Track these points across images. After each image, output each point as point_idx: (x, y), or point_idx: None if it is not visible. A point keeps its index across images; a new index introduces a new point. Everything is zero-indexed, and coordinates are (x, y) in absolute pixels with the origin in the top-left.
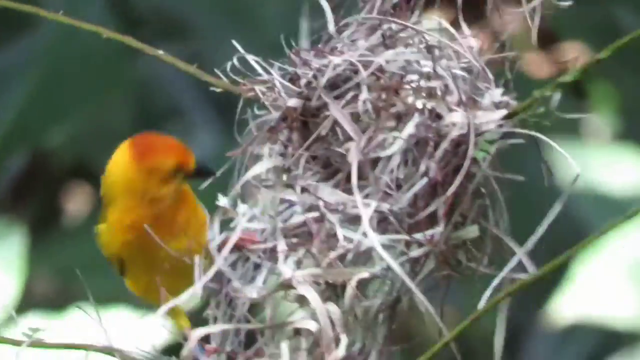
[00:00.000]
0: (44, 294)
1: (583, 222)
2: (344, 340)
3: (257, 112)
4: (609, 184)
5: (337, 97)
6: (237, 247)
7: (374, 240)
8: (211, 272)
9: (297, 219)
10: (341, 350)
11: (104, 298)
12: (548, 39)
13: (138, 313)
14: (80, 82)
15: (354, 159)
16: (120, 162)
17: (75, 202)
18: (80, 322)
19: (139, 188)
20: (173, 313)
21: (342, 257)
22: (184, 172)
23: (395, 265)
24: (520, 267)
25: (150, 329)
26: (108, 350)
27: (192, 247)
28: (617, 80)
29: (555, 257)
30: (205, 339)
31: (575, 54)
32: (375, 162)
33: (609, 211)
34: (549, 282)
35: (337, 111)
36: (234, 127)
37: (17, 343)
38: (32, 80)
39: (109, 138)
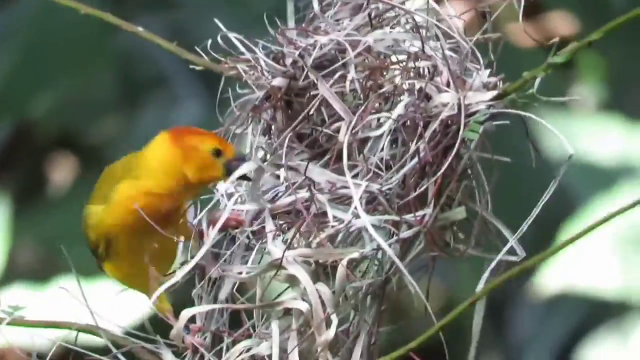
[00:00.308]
0: (28, 264)
1: (570, 191)
2: (335, 320)
3: (239, 90)
4: (596, 153)
5: (323, 77)
6: (223, 228)
7: (365, 220)
8: (201, 252)
9: (286, 199)
10: (332, 331)
11: (88, 269)
12: (535, 9)
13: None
14: (63, 53)
15: (344, 140)
16: (158, 144)
17: (60, 172)
18: (64, 293)
19: (174, 167)
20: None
21: (332, 238)
22: (225, 157)
23: (385, 246)
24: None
25: (132, 301)
26: (90, 329)
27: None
28: (603, 50)
29: (543, 226)
30: (190, 319)
31: (562, 23)
32: (364, 142)
33: (596, 180)
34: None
35: (326, 90)
36: (217, 103)
37: None
38: (16, 51)
39: (93, 108)
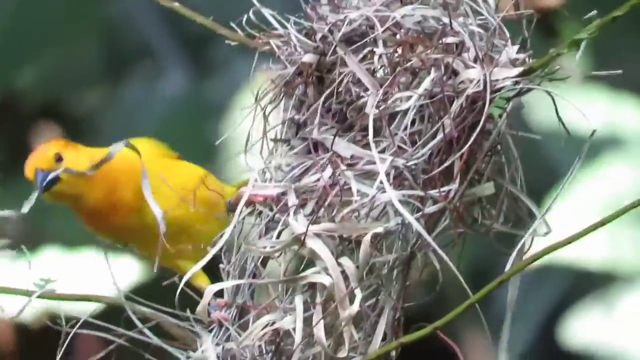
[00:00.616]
0: (13, 235)
1: (555, 162)
2: (359, 295)
3: (272, 66)
4: (580, 124)
5: (353, 52)
6: (250, 202)
7: (392, 195)
8: (229, 229)
9: (312, 174)
10: (355, 306)
11: (73, 239)
12: None
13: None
14: (49, 22)
15: (370, 112)
16: None
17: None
18: (49, 264)
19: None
20: (192, 276)
21: (356, 213)
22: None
23: (411, 219)
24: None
25: (119, 270)
26: (119, 302)
27: (197, 214)
28: (588, 20)
29: (529, 196)
30: (218, 293)
31: None
32: (391, 117)
33: (580, 150)
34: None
35: (354, 64)
36: (203, 66)
37: (27, 294)
38: (1, 22)
39: (78, 79)
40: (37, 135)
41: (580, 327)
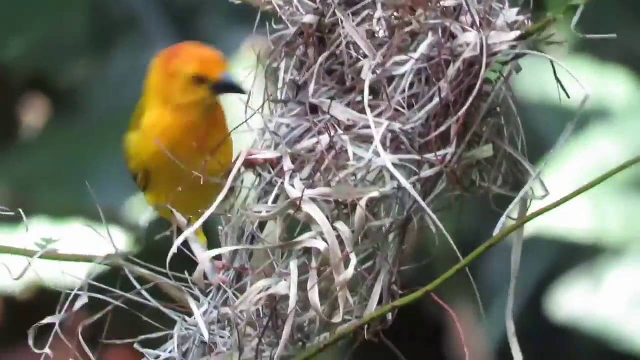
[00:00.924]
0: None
1: (541, 134)
2: (354, 260)
3: (275, 26)
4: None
5: (352, 15)
6: (250, 165)
7: (386, 159)
8: (224, 190)
9: (309, 136)
10: (350, 270)
11: (61, 210)
12: None
13: (94, 226)
14: None
15: (366, 77)
16: (151, 67)
17: (33, 114)
18: (37, 235)
19: (163, 92)
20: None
21: (352, 177)
22: (209, 82)
23: (406, 183)
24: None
25: (106, 241)
26: (122, 264)
27: (215, 167)
28: None
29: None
30: (216, 256)
31: None
32: (389, 81)
33: (567, 123)
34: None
35: (350, 28)
36: (190, 37)
37: (29, 253)
38: None
39: (66, 50)
40: (26, 107)
41: (567, 299)
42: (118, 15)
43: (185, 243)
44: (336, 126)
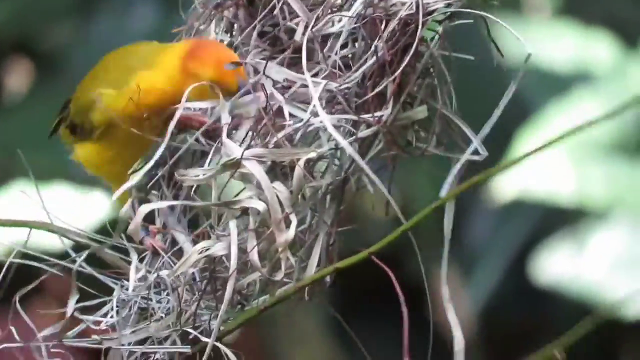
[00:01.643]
0: None
1: (525, 97)
2: (294, 220)
3: None
4: (550, 59)
5: None
6: (185, 126)
7: (325, 118)
8: (158, 152)
9: (244, 97)
10: (292, 231)
11: (44, 174)
12: None
13: (77, 190)
14: None
15: (302, 37)
16: (177, 52)
17: (16, 78)
18: (20, 198)
19: (176, 85)
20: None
21: (289, 138)
22: (225, 90)
23: (344, 142)
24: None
25: (89, 205)
26: (48, 228)
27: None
28: None
29: (498, 132)
30: (150, 222)
31: None
32: (323, 41)
33: (551, 86)
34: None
35: None
36: (174, 1)
37: None
38: None
39: (49, 13)
40: (8, 71)
41: (551, 262)
42: None
43: None
44: (269, 86)
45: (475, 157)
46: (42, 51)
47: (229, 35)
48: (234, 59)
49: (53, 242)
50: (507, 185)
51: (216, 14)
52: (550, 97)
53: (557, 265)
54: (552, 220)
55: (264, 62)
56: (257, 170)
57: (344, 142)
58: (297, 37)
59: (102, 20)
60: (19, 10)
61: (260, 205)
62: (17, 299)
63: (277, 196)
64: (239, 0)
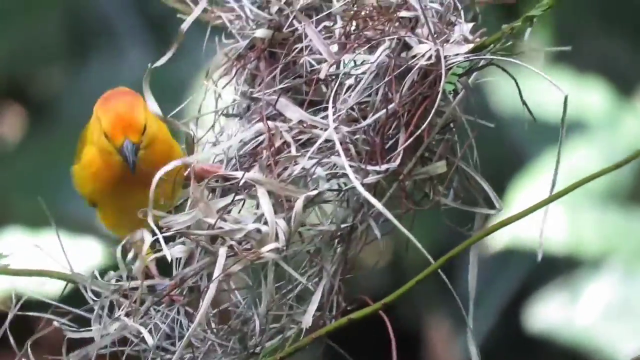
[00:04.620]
0: None
1: (518, 145)
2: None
3: (225, 40)
4: (544, 107)
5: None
6: (202, 179)
7: (345, 162)
8: (192, 213)
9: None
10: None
11: (37, 220)
12: None
13: (70, 236)
14: (10, 2)
15: (323, 74)
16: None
17: (8, 124)
18: (14, 244)
19: (94, 137)
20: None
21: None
22: (114, 142)
23: (361, 188)
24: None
25: (83, 251)
26: (73, 279)
27: (162, 201)
28: None
29: (493, 181)
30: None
31: None
32: (341, 89)
33: (544, 135)
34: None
35: (313, 33)
36: (166, 46)
37: None
38: None
39: (41, 58)
40: (1, 117)
41: (544, 311)
42: (92, 23)
43: None
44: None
45: (492, 211)
46: (34, 97)
47: (251, 86)
48: (134, 112)
49: (46, 289)
50: (499, 233)
51: (239, 66)
52: (545, 145)
53: (551, 313)
54: (546, 268)
55: (280, 99)
56: (260, 192)
57: (361, 189)
58: (321, 76)
59: (94, 65)
60: (11, 56)
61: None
62: (28, 345)
63: (276, 223)
64: (260, 53)
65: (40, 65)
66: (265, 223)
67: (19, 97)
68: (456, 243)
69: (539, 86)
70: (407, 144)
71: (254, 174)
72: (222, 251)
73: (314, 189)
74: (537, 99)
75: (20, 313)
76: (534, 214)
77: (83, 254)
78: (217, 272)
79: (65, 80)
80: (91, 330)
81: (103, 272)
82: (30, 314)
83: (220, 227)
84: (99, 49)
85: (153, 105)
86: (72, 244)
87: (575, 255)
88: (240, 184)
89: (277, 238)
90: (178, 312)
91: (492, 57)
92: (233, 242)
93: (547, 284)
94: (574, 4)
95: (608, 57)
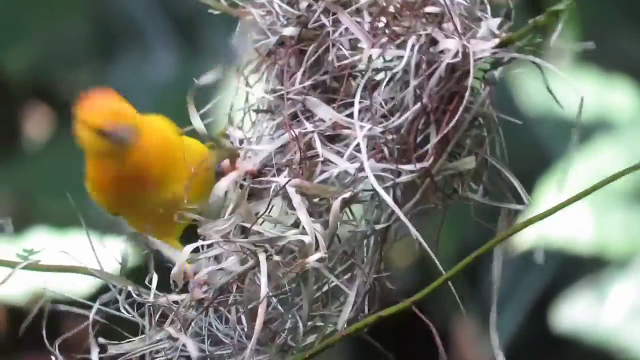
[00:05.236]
0: (3, 216)
1: (545, 146)
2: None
3: (256, 36)
4: (570, 107)
5: (335, 22)
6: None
7: (367, 169)
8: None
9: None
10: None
11: (63, 220)
12: None
13: (96, 236)
14: (37, 3)
15: (365, 64)
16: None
17: (35, 125)
18: (40, 245)
19: (85, 144)
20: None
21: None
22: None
23: (382, 192)
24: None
25: (111, 251)
26: (103, 276)
27: (174, 196)
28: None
29: (519, 177)
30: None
31: None
32: (371, 87)
33: (571, 134)
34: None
35: (348, 21)
36: (193, 47)
37: (12, 264)
38: None
39: (68, 60)
40: (28, 117)
41: (571, 312)
42: (120, 24)
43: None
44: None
45: (520, 207)
46: (61, 98)
47: (280, 83)
48: (107, 100)
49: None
50: (526, 233)
51: (268, 62)
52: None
53: (577, 315)
54: (572, 268)
55: (312, 98)
56: (297, 202)
57: (382, 193)
58: (363, 61)
59: (122, 66)
60: (37, 57)
61: (305, 239)
62: (57, 345)
63: (315, 231)
64: (289, 49)
65: (67, 66)
66: (300, 226)
67: (46, 98)
68: (487, 241)
69: (567, 86)
70: (437, 139)
71: (291, 179)
72: (262, 257)
73: (348, 190)
74: (564, 98)
75: (52, 310)
76: (561, 215)
77: (111, 255)
78: (263, 286)
79: (91, 80)
80: (134, 341)
81: (130, 274)
82: (64, 309)
83: (258, 232)
84: (125, 49)
85: (197, 122)
86: (100, 244)
87: (602, 256)
88: (279, 190)
89: (317, 245)
90: (206, 313)
91: (518, 54)
92: (269, 247)
93: (573, 284)
94: (602, 3)
95: (635, 57)
